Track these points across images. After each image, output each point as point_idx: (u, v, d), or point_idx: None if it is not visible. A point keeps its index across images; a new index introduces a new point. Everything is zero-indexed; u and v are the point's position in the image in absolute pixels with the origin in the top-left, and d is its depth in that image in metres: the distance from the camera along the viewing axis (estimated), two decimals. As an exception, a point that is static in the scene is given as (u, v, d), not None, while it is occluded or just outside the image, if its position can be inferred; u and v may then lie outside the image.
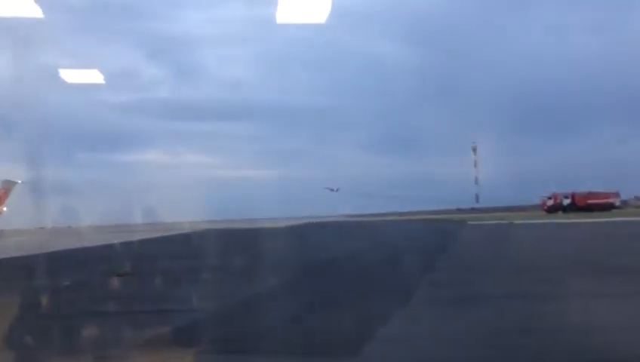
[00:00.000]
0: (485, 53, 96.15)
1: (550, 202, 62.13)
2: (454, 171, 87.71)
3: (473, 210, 78.69)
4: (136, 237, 33.86)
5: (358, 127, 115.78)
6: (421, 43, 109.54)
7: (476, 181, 77.08)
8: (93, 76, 32.90)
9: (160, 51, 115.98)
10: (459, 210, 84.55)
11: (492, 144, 78.91)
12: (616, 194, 62.68)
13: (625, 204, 64.94)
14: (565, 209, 59.25)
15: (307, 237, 31.95)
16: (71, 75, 33.82)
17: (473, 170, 77.66)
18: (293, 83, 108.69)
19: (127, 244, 26.98)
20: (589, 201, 59.01)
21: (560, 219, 45.18)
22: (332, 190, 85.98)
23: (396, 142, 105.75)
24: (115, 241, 28.69)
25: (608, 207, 57.13)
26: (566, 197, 61.13)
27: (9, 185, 76.01)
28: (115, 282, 10.99)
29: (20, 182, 76.55)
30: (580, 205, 58.70)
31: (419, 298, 8.06)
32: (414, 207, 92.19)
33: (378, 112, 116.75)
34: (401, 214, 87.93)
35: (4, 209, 75.29)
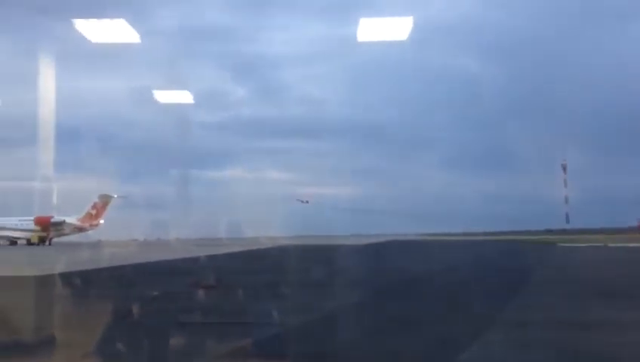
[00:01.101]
0: (572, 67, 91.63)
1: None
2: (542, 190, 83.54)
3: (564, 231, 74.63)
4: (221, 250, 34.97)
5: (438, 144, 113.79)
6: (505, 57, 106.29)
7: (566, 200, 73.07)
8: (183, 96, 34.57)
9: (245, 72, 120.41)
10: (548, 231, 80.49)
11: (583, 162, 74.85)
12: None
13: None
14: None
15: (383, 254, 31.57)
16: (164, 96, 35.73)
17: (563, 189, 73.72)
18: (374, 100, 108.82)
19: (213, 257, 27.89)
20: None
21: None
22: (302, 202, 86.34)
23: (478, 159, 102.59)
24: (202, 254, 29.77)
25: None
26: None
27: (106, 198, 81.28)
28: (201, 294, 11.35)
29: (115, 196, 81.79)
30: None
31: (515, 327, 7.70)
32: (499, 226, 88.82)
33: (459, 129, 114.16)
34: (485, 234, 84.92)
35: (102, 221, 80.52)
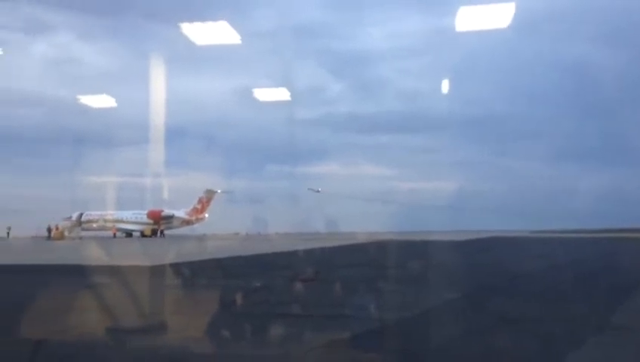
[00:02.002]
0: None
1: None
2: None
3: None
4: (319, 245, 35.56)
5: (540, 137, 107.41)
6: (618, 42, 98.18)
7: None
8: (282, 94, 35.44)
9: (342, 68, 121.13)
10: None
11: None
12: None
13: None
14: None
15: (486, 251, 30.48)
16: (263, 94, 36.86)
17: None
18: (473, 92, 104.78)
19: (310, 251, 28.45)
20: None
21: None
22: (315, 191, 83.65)
23: (586, 152, 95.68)
24: (299, 248, 30.46)
25: None
26: None
27: (210, 194, 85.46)
28: (299, 286, 11.61)
29: (219, 191, 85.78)
30: None
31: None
32: (607, 223, 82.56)
33: (568, 120, 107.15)
34: (597, 231, 79.40)
35: (207, 215, 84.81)
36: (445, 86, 32.79)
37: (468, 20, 12.65)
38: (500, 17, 11.97)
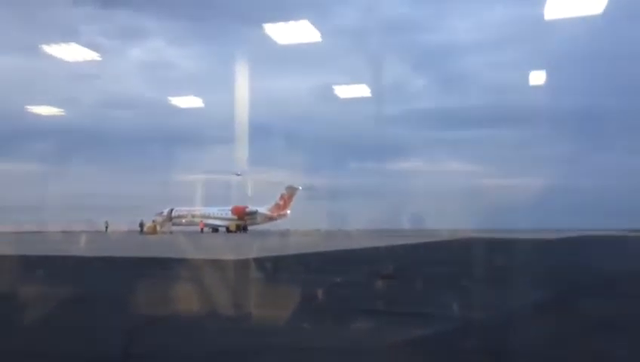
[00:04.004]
0: None
1: None
2: None
3: None
4: (400, 242, 35.24)
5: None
6: None
7: None
8: (362, 90, 35.45)
9: (426, 62, 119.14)
10: None
11: None
12: None
13: None
14: None
15: (579, 250, 28.89)
16: (344, 91, 37.01)
17: None
18: (565, 84, 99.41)
19: (392, 248, 28.27)
20: None
21: None
22: (237, 175, 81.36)
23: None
24: (381, 245, 30.35)
25: None
26: None
27: (292, 190, 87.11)
28: (379, 284, 11.58)
29: (300, 188, 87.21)
30: None
31: None
32: None
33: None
34: None
35: (289, 211, 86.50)
36: (535, 78, 31.30)
37: (558, 8, 12.01)
38: (593, 3, 11.29)
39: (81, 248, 29.28)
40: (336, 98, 34.15)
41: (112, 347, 5.39)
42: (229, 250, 26.73)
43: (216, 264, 16.54)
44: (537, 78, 31.00)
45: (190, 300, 8.64)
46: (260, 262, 17.34)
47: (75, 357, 5.17)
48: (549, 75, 30.18)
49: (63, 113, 43.15)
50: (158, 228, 74.30)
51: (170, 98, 39.75)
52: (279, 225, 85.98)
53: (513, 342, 5.97)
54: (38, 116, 44.38)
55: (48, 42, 26.09)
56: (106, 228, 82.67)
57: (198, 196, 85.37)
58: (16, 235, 54.40)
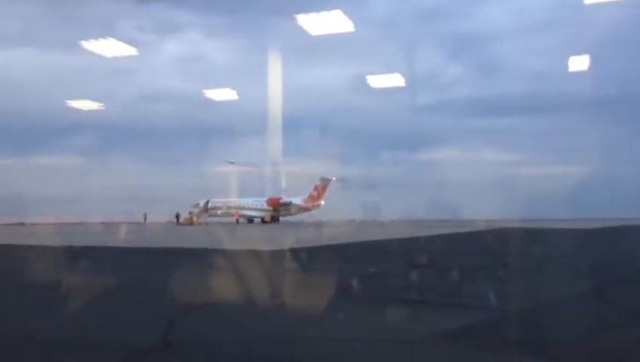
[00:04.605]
0: None
1: None
2: None
3: None
4: (434, 232, 34.98)
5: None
6: None
7: None
8: (395, 80, 35.15)
9: (461, 50, 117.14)
10: None
11: None
12: None
13: None
14: None
15: (620, 240, 28.08)
16: (378, 81, 36.80)
17: None
18: (606, 70, 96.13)
19: (425, 238, 28.10)
20: None
21: None
22: (231, 162, 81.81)
23: None
24: (414, 235, 30.20)
25: None
26: None
27: (325, 181, 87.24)
28: (413, 273, 11.56)
29: (334, 178, 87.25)
30: None
31: None
32: None
33: None
34: None
35: (322, 202, 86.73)
36: (574, 63, 30.43)
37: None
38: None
39: (123, 239, 30.09)
40: (369, 88, 34.03)
41: (153, 334, 5.57)
42: (265, 240, 27.04)
43: (254, 254, 16.78)
44: (576, 63, 30.14)
45: (228, 289, 8.82)
46: (296, 252, 17.50)
47: (118, 344, 5.36)
48: (588, 61, 29.27)
49: (102, 107, 44.26)
50: (194, 219, 75.57)
51: (205, 91, 40.31)
52: (313, 215, 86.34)
53: (550, 333, 5.91)
54: (78, 111, 45.63)
55: (87, 38, 26.77)
56: (145, 219, 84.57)
57: (233, 187, 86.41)
58: (59, 227, 56.21)
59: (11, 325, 6.40)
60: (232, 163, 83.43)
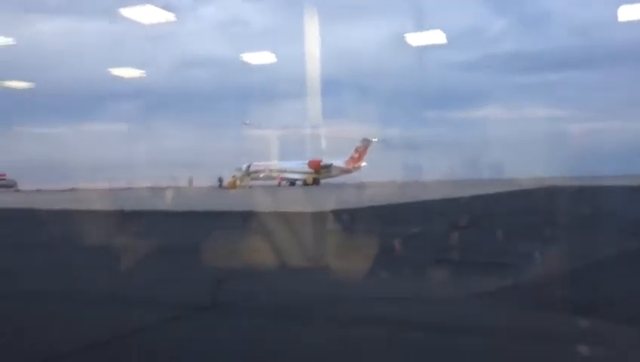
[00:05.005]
0: None
1: None
2: None
3: None
4: (477, 191, 34.48)
5: None
6: None
7: None
8: (436, 37, 34.24)
9: (504, 4, 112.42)
10: None
11: None
12: None
13: None
14: None
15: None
16: (416, 38, 35.88)
17: None
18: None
19: (468, 198, 27.76)
20: None
21: None
22: (246, 123, 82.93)
23: None
24: (457, 195, 29.85)
25: None
26: None
27: (366, 142, 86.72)
28: (456, 233, 11.49)
29: (375, 139, 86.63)
30: None
31: None
32: None
33: None
34: None
35: (363, 164, 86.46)
36: (625, 13, 28.74)
37: None
38: None
39: (171, 203, 30.94)
40: (410, 46, 33.26)
41: (202, 294, 5.78)
42: (308, 202, 27.32)
43: (298, 216, 17.03)
44: (626, 13, 28.43)
45: (274, 251, 9.01)
46: (338, 213, 17.63)
47: (169, 302, 5.60)
48: (639, 10, 27.57)
49: (143, 74, 44.96)
50: (237, 182, 76.78)
51: (243, 55, 40.28)
52: (354, 177, 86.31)
53: (600, 292, 5.82)
54: (121, 78, 46.50)
55: (126, 6, 27.02)
56: (190, 183, 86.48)
57: (274, 150, 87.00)
58: (109, 192, 58.17)
59: (69, 284, 6.75)
60: (247, 124, 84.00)
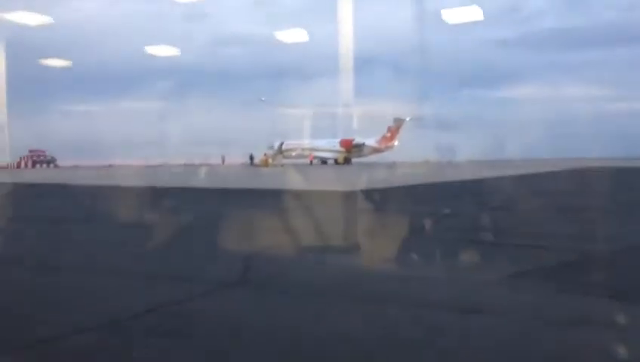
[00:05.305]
0: None
1: None
2: None
3: None
4: (513, 172, 33.83)
5: None
6: None
7: None
8: (473, 13, 33.37)
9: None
10: None
11: None
12: None
13: None
14: None
15: None
16: (452, 15, 35.10)
17: None
18: None
19: (503, 179, 27.27)
20: None
21: None
22: (262, 100, 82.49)
23: None
24: (491, 175, 29.36)
25: None
26: None
27: (399, 122, 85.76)
28: (490, 214, 11.29)
29: (408, 118, 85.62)
30: None
31: None
32: None
33: None
34: None
35: (396, 143, 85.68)
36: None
37: None
38: None
39: (204, 180, 31.37)
40: (445, 23, 32.54)
41: (232, 271, 5.83)
42: (340, 181, 27.29)
43: (330, 195, 17.04)
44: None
45: (306, 229, 9.04)
46: (369, 193, 17.56)
47: (201, 278, 5.67)
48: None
49: (177, 53, 45.32)
50: (269, 160, 77.23)
51: (276, 33, 40.15)
52: (385, 156, 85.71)
53: (630, 278, 5.64)
54: (155, 57, 46.98)
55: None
56: (223, 161, 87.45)
57: (306, 129, 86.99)
58: (145, 169, 59.31)
59: (104, 260, 6.91)
60: (263, 100, 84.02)
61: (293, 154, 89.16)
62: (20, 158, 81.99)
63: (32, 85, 79.84)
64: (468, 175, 31.18)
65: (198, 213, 12.30)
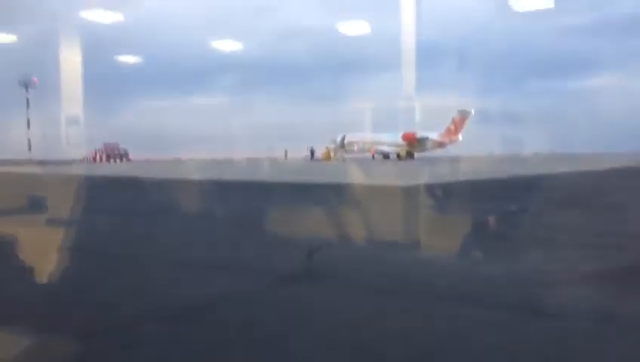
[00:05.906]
0: None
1: None
2: None
3: None
4: (584, 167, 32.40)
5: None
6: None
7: None
8: (542, 1, 32.23)
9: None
10: None
11: None
12: None
13: None
14: None
15: None
16: (521, 2, 33.98)
17: None
18: None
19: (573, 174, 26.19)
20: None
21: None
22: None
23: None
24: (561, 170, 28.24)
25: None
26: None
27: (464, 114, 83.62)
28: (558, 212, 10.93)
29: (473, 111, 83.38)
30: None
31: None
32: None
33: None
34: None
35: (460, 137, 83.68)
36: None
37: None
38: None
39: (269, 174, 31.97)
40: (513, 11, 31.55)
41: (296, 263, 5.98)
42: (403, 176, 27.11)
43: (393, 190, 16.99)
44: None
45: (369, 224, 9.10)
46: (432, 188, 17.36)
47: (265, 270, 5.85)
48: None
49: (241, 47, 46.31)
50: (331, 154, 77.48)
51: (340, 25, 40.23)
52: (449, 150, 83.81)
53: None
54: (220, 51, 48.17)
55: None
56: (286, 155, 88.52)
57: (367, 122, 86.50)
58: (211, 163, 61.00)
59: (169, 253, 7.25)
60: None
61: (355, 148, 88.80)
62: (95, 151, 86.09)
63: (106, 81, 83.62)
64: (535, 170, 30.11)
65: (259, 207, 12.58)
